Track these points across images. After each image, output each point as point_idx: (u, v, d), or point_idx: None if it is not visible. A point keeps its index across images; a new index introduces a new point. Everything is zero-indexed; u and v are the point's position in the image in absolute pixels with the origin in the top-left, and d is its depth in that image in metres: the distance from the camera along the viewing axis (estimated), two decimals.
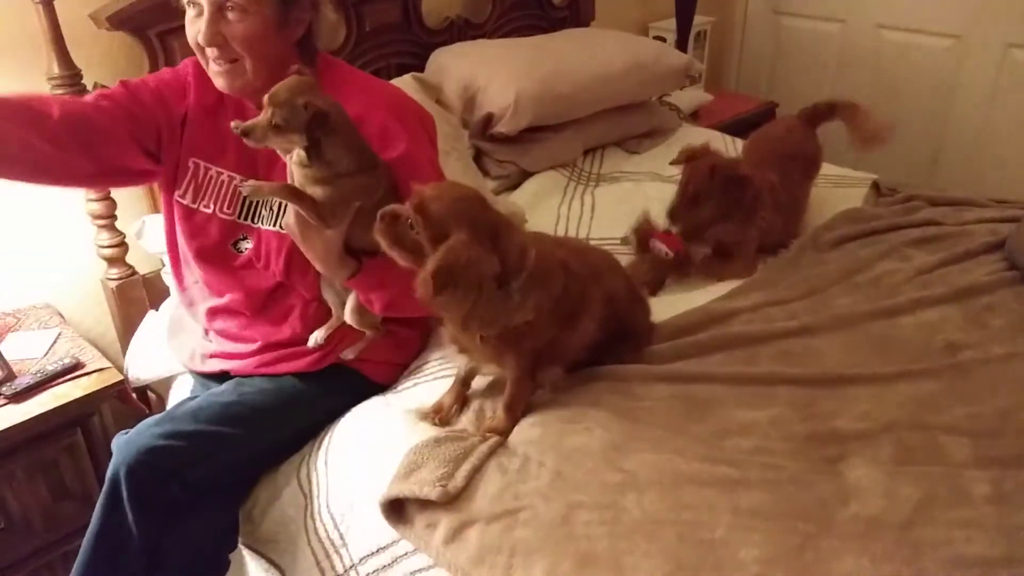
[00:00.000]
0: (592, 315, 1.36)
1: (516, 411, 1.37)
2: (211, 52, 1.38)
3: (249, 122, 1.26)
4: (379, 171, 1.36)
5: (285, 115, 1.24)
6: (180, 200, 1.52)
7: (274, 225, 1.48)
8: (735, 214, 1.84)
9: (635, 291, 1.55)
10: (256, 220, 1.51)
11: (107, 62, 1.83)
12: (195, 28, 1.37)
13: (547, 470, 1.24)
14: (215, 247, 1.52)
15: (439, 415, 1.41)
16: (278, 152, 1.37)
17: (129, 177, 1.52)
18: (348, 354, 1.51)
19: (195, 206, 1.52)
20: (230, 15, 1.35)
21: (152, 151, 1.49)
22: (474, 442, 1.30)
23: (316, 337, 1.49)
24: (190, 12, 1.38)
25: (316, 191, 1.29)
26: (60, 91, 1.68)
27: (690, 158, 1.86)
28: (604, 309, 1.39)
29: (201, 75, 1.49)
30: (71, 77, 1.69)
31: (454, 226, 1.18)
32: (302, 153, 1.29)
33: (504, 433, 1.34)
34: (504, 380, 1.38)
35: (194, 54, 1.43)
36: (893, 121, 2.14)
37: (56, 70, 1.68)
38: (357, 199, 1.33)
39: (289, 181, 1.34)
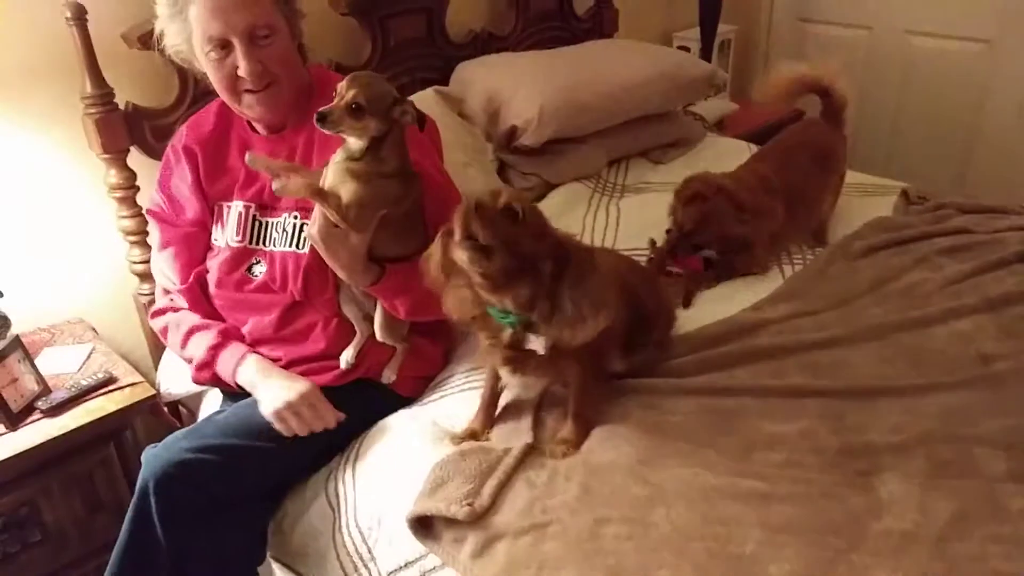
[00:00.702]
0: (622, 300, 1.36)
1: (587, 418, 1.36)
2: (252, 82, 1.41)
3: (325, 107, 1.26)
4: (412, 181, 1.38)
5: (369, 95, 1.25)
6: (215, 243, 1.59)
7: (289, 245, 1.50)
8: (736, 240, 1.87)
9: (637, 265, 1.62)
10: (268, 243, 1.53)
11: (139, 81, 1.87)
12: (226, 67, 1.41)
13: (575, 484, 1.24)
14: (230, 275, 1.55)
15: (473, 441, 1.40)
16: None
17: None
18: (389, 376, 1.52)
19: (221, 244, 1.57)
20: (261, 41, 1.39)
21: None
22: (499, 455, 1.30)
23: (346, 358, 1.50)
24: (214, 55, 1.41)
25: (351, 187, 1.30)
26: (93, 109, 1.72)
27: (688, 201, 1.85)
28: (626, 280, 1.42)
29: (194, 128, 1.58)
30: (103, 96, 1.73)
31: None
32: (354, 146, 1.29)
33: (578, 444, 1.32)
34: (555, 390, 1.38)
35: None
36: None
37: (89, 89, 1.71)
38: (386, 205, 1.34)
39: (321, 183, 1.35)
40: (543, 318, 1.21)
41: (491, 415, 1.43)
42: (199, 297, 1.61)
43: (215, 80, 1.45)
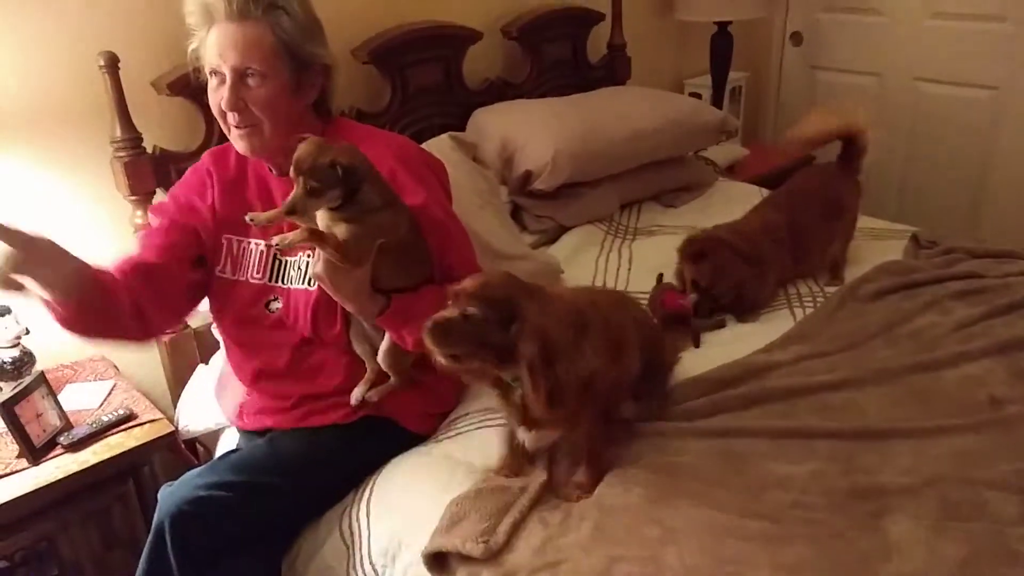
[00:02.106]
0: (632, 342, 1.38)
1: (600, 462, 1.37)
2: (232, 117, 1.47)
3: (288, 201, 1.32)
4: (400, 207, 1.42)
5: (317, 178, 1.31)
6: (221, 275, 1.61)
7: (302, 283, 1.53)
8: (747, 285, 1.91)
9: (648, 316, 1.64)
10: (285, 281, 1.57)
11: (166, 125, 1.93)
12: (218, 95, 1.46)
13: (588, 523, 1.25)
14: (249, 310, 1.58)
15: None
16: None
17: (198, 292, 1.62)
18: (372, 396, 1.53)
19: (234, 278, 1.60)
20: (250, 81, 1.44)
21: (199, 257, 1.60)
22: (515, 494, 1.32)
23: (357, 396, 1.52)
24: (212, 81, 1.47)
25: (343, 229, 1.34)
26: (121, 153, 1.78)
27: (695, 259, 1.90)
28: (638, 333, 1.43)
29: (218, 161, 1.62)
30: (132, 140, 1.79)
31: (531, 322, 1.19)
32: (332, 203, 1.34)
33: (591, 488, 1.33)
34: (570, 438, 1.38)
35: None
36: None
37: (119, 133, 1.78)
38: (382, 235, 1.38)
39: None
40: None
41: (523, 454, 1.43)
42: (131, 273, 1.51)
43: (211, 105, 1.51)
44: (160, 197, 1.87)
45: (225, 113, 1.47)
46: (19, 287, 1.27)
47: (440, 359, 1.21)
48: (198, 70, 1.51)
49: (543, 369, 1.18)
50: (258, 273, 1.59)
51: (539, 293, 1.25)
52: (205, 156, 1.66)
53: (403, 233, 1.42)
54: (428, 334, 1.19)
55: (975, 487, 1.28)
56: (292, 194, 1.32)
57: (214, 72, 1.46)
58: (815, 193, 2.12)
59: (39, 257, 1.26)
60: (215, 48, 1.43)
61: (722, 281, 1.88)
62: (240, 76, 1.43)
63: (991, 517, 1.23)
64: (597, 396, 1.29)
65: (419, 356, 1.54)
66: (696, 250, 1.90)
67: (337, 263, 1.35)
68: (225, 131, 1.53)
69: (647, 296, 1.96)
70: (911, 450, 1.38)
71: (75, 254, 1.36)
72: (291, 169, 1.32)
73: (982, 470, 1.32)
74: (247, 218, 1.41)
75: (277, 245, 1.36)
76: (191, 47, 1.51)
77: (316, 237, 1.34)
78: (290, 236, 1.34)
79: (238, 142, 1.51)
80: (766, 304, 1.96)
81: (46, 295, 1.30)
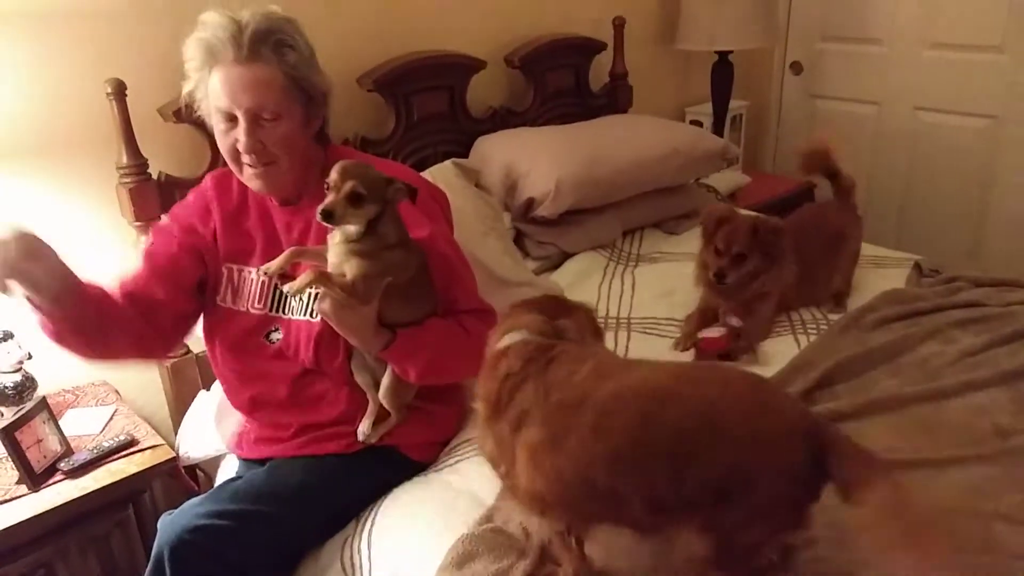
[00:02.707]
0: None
1: None
2: (249, 158, 1.46)
3: (326, 203, 1.31)
4: (412, 247, 1.43)
5: (367, 183, 1.31)
6: (222, 304, 1.61)
7: (304, 314, 1.53)
8: (775, 263, 1.92)
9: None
10: (287, 311, 1.56)
11: (172, 151, 1.94)
12: (230, 139, 1.46)
13: None
14: (248, 340, 1.58)
15: None
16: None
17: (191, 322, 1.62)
18: (371, 437, 1.53)
19: (235, 307, 1.60)
20: (265, 122, 1.44)
21: (200, 284, 1.60)
22: (523, 540, 1.29)
23: (363, 430, 1.52)
24: (221, 125, 1.46)
25: (356, 263, 1.34)
26: (127, 179, 1.79)
27: (720, 222, 1.90)
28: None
29: (220, 186, 1.61)
30: (138, 166, 1.80)
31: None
32: (352, 229, 1.35)
33: None
34: None
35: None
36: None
37: (125, 160, 1.79)
38: (392, 274, 1.38)
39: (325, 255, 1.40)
40: None
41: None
42: (130, 295, 1.53)
43: (221, 148, 1.50)
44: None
45: (237, 154, 1.47)
46: (4, 287, 1.25)
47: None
48: (191, 107, 1.52)
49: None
50: (259, 303, 1.58)
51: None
52: (208, 179, 1.65)
53: (413, 273, 1.42)
54: None
55: (984, 519, 1.28)
56: (330, 199, 1.31)
57: (223, 113, 1.45)
58: (817, 227, 2.14)
59: (26, 249, 1.26)
60: (224, 91, 1.42)
61: (753, 246, 1.86)
62: (255, 118, 1.43)
63: (999, 550, 1.22)
64: None
65: (422, 386, 1.54)
66: (720, 215, 1.91)
67: (343, 302, 1.35)
68: (236, 171, 1.52)
69: (652, 320, 1.96)
70: (918, 481, 1.37)
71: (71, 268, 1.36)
72: (333, 174, 1.32)
73: (991, 502, 1.32)
74: (261, 271, 1.41)
75: (289, 292, 1.37)
76: (186, 88, 1.51)
77: (323, 280, 1.34)
78: (299, 282, 1.34)
79: (253, 181, 1.50)
80: (765, 335, 1.94)
81: (33, 295, 1.29)
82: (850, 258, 2.17)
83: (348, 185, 1.31)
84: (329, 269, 1.38)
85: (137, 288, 1.53)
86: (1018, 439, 1.48)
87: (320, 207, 1.31)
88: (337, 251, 1.37)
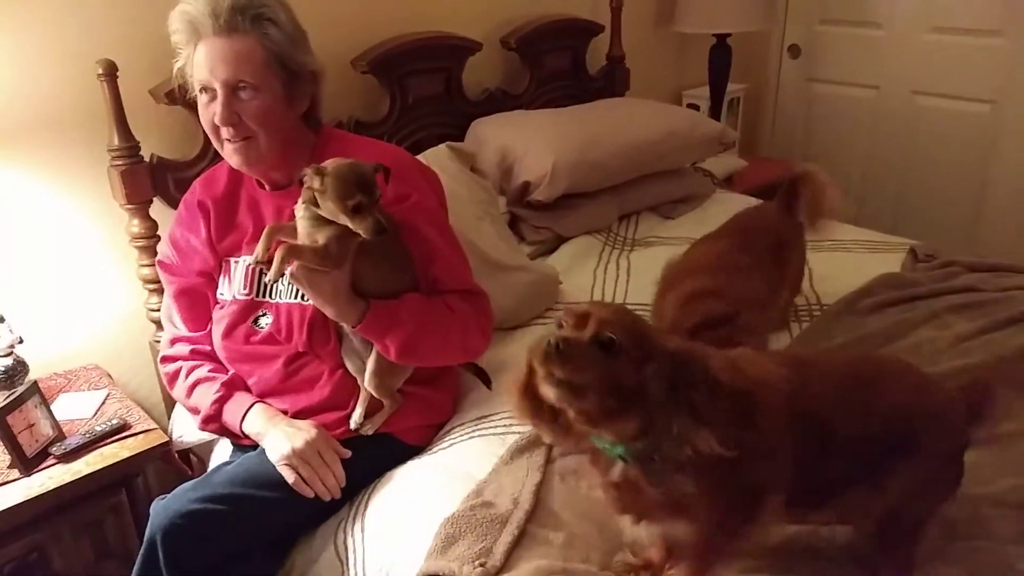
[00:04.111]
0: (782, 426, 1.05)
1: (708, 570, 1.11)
2: (226, 132, 1.46)
3: (370, 223, 1.32)
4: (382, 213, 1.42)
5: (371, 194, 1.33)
6: (219, 297, 1.62)
7: (293, 297, 1.52)
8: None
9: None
10: (273, 296, 1.56)
11: (164, 133, 1.93)
12: (210, 111, 1.46)
13: (596, 553, 1.22)
14: (236, 327, 1.58)
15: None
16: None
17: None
18: (367, 429, 1.53)
19: (226, 296, 1.60)
20: (243, 95, 1.44)
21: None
22: (509, 509, 1.30)
23: (356, 419, 1.52)
24: (203, 98, 1.47)
25: (325, 232, 1.35)
26: (119, 161, 1.77)
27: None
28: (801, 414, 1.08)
29: (208, 186, 1.63)
30: (129, 148, 1.78)
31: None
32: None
33: None
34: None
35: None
36: (848, 199, 2.00)
37: (116, 142, 1.77)
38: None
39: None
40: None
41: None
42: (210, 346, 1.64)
43: (203, 123, 1.51)
44: (157, 206, 1.86)
45: (217, 128, 1.47)
46: None
47: (549, 386, 0.98)
48: (184, 87, 1.52)
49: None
50: (245, 288, 1.58)
51: (668, 338, 1.03)
52: (195, 185, 1.66)
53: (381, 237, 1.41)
54: (545, 352, 0.96)
55: (975, 504, 1.28)
56: (370, 218, 1.32)
57: (204, 88, 1.45)
58: (761, 232, 1.84)
59: None
60: (205, 64, 1.43)
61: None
62: (232, 90, 1.43)
63: (990, 535, 1.23)
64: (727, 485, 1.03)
65: (415, 370, 1.53)
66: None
67: (316, 266, 1.35)
68: (217, 147, 1.52)
69: (647, 305, 1.94)
70: None
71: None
72: (308, 171, 1.33)
73: (982, 487, 1.31)
74: (251, 261, 1.45)
75: (270, 280, 1.39)
76: (177, 65, 1.51)
77: (294, 252, 1.35)
78: (273, 268, 1.35)
79: (232, 157, 1.50)
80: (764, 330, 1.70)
81: None
82: (796, 276, 1.92)
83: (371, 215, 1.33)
84: (301, 239, 1.38)
85: (209, 341, 1.64)
86: (1011, 425, 1.48)
87: (372, 230, 1.33)
88: (305, 223, 1.38)
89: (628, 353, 0.97)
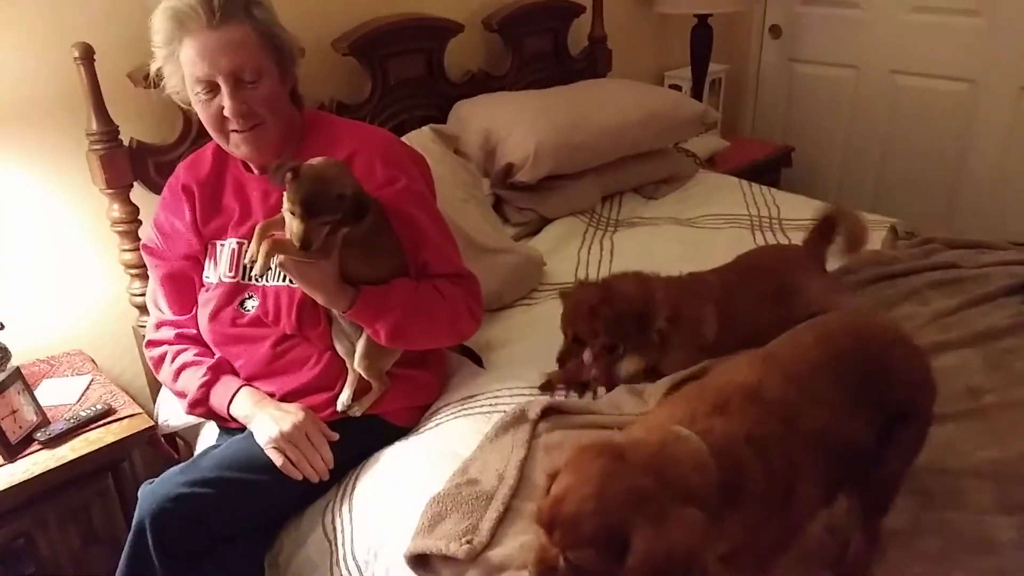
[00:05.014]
0: (809, 475, 1.00)
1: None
2: (237, 123, 1.45)
3: (298, 233, 1.32)
4: (371, 208, 1.42)
5: (326, 210, 1.33)
6: (205, 280, 1.61)
7: (282, 280, 1.52)
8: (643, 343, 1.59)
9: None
10: (260, 279, 1.55)
11: (143, 117, 1.90)
12: (213, 107, 1.44)
13: None
14: (223, 310, 1.57)
15: None
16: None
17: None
18: (356, 411, 1.53)
19: (212, 279, 1.59)
20: (248, 83, 1.43)
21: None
22: (495, 485, 1.31)
23: (343, 400, 1.52)
24: (202, 96, 1.44)
25: (313, 223, 1.35)
26: (98, 146, 1.75)
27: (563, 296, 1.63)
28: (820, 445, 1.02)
29: (193, 170, 1.61)
30: (108, 133, 1.76)
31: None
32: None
33: None
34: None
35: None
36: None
37: (95, 126, 1.75)
38: (345, 225, 1.38)
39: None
40: None
41: None
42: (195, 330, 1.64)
43: (204, 120, 1.48)
44: (137, 191, 1.85)
45: (223, 122, 1.45)
46: None
47: None
48: (157, 83, 1.51)
49: None
50: (230, 271, 1.57)
51: (656, 501, 0.86)
52: (179, 169, 1.65)
53: (368, 227, 1.42)
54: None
55: (954, 476, 1.30)
56: (300, 230, 1.32)
57: (204, 86, 1.43)
58: (769, 274, 1.72)
59: None
60: (201, 59, 1.40)
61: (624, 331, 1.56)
62: (237, 80, 1.42)
63: (968, 506, 1.25)
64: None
65: (403, 352, 1.54)
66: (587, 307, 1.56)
67: (303, 260, 1.35)
68: (221, 141, 1.51)
69: None
70: None
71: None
72: (293, 203, 1.31)
73: (959, 459, 1.34)
74: (253, 274, 1.48)
75: (257, 273, 1.41)
76: (155, 66, 1.49)
77: (280, 247, 1.35)
78: (260, 260, 1.35)
79: (241, 147, 1.49)
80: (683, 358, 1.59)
81: None
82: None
83: (310, 222, 1.32)
84: (288, 232, 1.37)
85: (195, 325, 1.63)
86: (989, 398, 1.51)
87: (298, 239, 1.32)
88: (291, 218, 1.37)
89: (601, 561, 0.85)
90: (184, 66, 1.43)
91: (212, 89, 1.43)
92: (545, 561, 0.88)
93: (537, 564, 0.89)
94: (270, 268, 1.37)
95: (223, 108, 1.43)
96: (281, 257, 1.36)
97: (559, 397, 1.59)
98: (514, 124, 2.33)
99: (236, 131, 1.46)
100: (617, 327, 1.53)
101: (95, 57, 1.69)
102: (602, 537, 0.85)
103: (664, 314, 1.57)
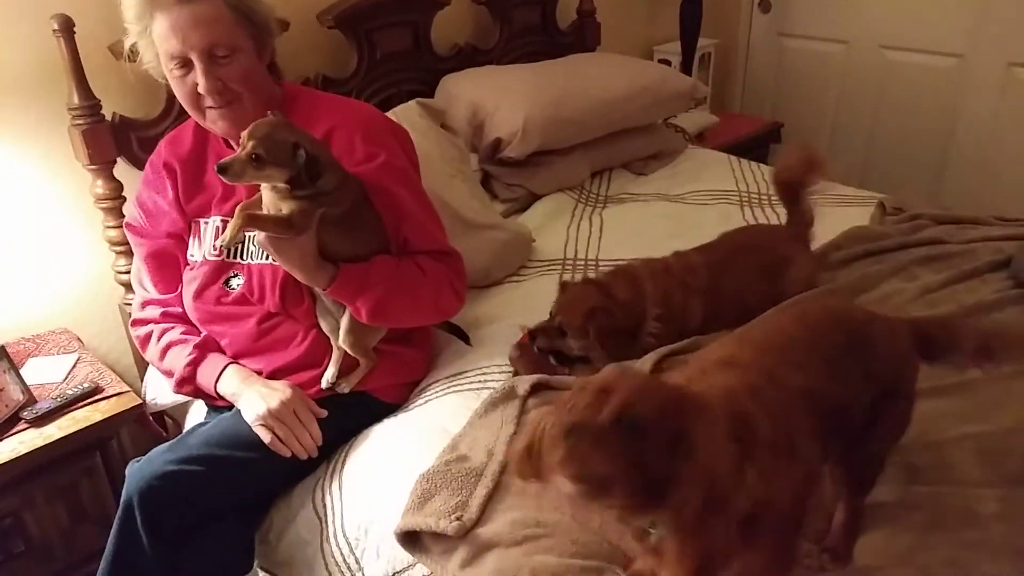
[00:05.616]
0: (803, 428, 0.99)
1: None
2: (211, 100, 1.43)
3: (226, 159, 1.30)
4: (348, 180, 1.41)
5: (267, 147, 1.28)
6: (189, 258, 1.60)
7: (266, 258, 1.51)
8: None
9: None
10: (244, 257, 1.54)
11: (126, 92, 1.87)
12: (188, 84, 1.42)
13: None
14: (208, 288, 1.56)
15: None
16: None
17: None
18: (344, 387, 1.53)
19: (196, 257, 1.58)
20: (221, 59, 1.40)
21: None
22: (484, 462, 1.31)
23: (328, 377, 1.51)
24: (176, 72, 1.42)
25: (289, 205, 1.34)
26: (79, 121, 1.73)
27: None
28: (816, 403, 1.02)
29: (174, 147, 1.60)
30: (90, 107, 1.73)
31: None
32: (280, 185, 1.33)
33: None
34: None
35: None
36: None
37: (76, 100, 1.72)
38: (326, 204, 1.37)
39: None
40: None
41: None
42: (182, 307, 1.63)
43: (179, 96, 1.46)
44: (121, 166, 1.82)
45: (198, 98, 1.43)
46: None
47: (570, 482, 0.81)
48: (131, 59, 1.48)
49: (699, 530, 0.84)
50: (215, 249, 1.56)
51: (705, 405, 0.87)
52: (160, 146, 1.63)
53: (348, 205, 1.40)
54: (564, 443, 0.80)
55: (939, 450, 1.31)
56: (233, 155, 1.30)
57: (177, 62, 1.41)
58: (755, 253, 1.72)
59: None
60: (172, 35, 1.38)
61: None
62: (210, 56, 1.39)
63: (953, 479, 1.26)
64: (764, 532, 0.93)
65: (390, 329, 1.53)
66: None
67: (279, 236, 1.34)
68: (198, 118, 1.49)
69: (619, 262, 1.95)
70: None
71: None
72: (245, 132, 1.30)
73: (945, 433, 1.35)
74: (216, 244, 1.46)
75: (222, 245, 1.39)
76: (128, 42, 1.47)
77: (253, 222, 1.34)
78: (229, 232, 1.33)
79: (217, 123, 1.47)
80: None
81: None
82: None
83: (250, 144, 1.28)
84: (265, 209, 1.36)
85: (180, 303, 1.61)
86: (975, 372, 1.51)
87: (219, 161, 1.29)
88: (270, 194, 1.36)
89: (656, 440, 0.80)
90: (156, 42, 1.41)
91: (185, 65, 1.41)
92: (589, 419, 0.80)
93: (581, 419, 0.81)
94: (240, 241, 1.35)
95: (197, 84, 1.41)
96: (261, 234, 1.35)
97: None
98: (502, 98, 2.31)
99: (212, 107, 1.44)
100: (608, 339, 1.53)
101: (75, 29, 1.66)
102: (667, 416, 0.82)
103: (655, 312, 1.57)
